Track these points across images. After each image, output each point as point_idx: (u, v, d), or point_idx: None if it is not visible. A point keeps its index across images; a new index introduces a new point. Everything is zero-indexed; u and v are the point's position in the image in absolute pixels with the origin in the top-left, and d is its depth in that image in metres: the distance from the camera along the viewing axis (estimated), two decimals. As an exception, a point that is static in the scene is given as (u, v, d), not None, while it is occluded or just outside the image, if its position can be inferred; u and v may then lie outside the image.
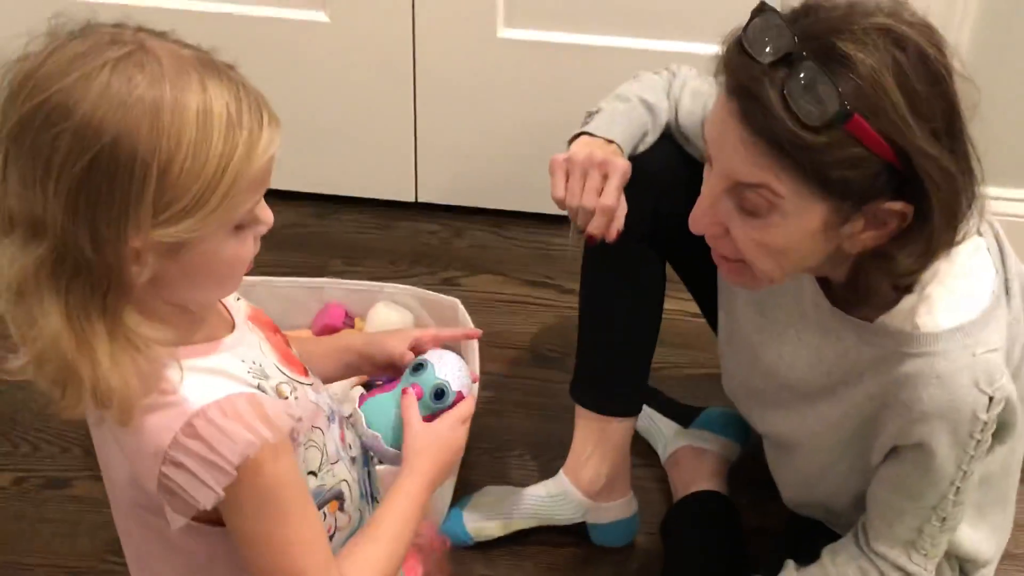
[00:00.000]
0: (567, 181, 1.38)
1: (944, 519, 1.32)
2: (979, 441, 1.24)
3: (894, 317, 1.24)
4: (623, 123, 1.45)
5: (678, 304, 1.79)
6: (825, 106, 1.05)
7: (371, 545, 1.09)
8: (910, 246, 1.14)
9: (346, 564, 1.06)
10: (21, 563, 1.69)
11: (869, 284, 1.22)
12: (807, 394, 1.38)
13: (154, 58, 0.87)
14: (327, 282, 2.00)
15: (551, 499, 1.70)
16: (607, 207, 1.36)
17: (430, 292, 1.97)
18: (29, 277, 0.88)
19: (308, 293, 1.99)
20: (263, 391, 0.99)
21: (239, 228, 0.94)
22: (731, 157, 1.13)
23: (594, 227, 1.37)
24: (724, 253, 1.23)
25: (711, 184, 1.18)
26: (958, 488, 1.28)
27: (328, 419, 1.10)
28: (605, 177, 1.37)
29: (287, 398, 1.02)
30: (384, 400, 1.21)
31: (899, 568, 1.35)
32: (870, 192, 1.10)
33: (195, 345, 0.98)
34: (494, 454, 1.91)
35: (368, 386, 1.29)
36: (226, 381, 0.97)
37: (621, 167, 1.37)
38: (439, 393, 1.19)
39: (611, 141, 1.41)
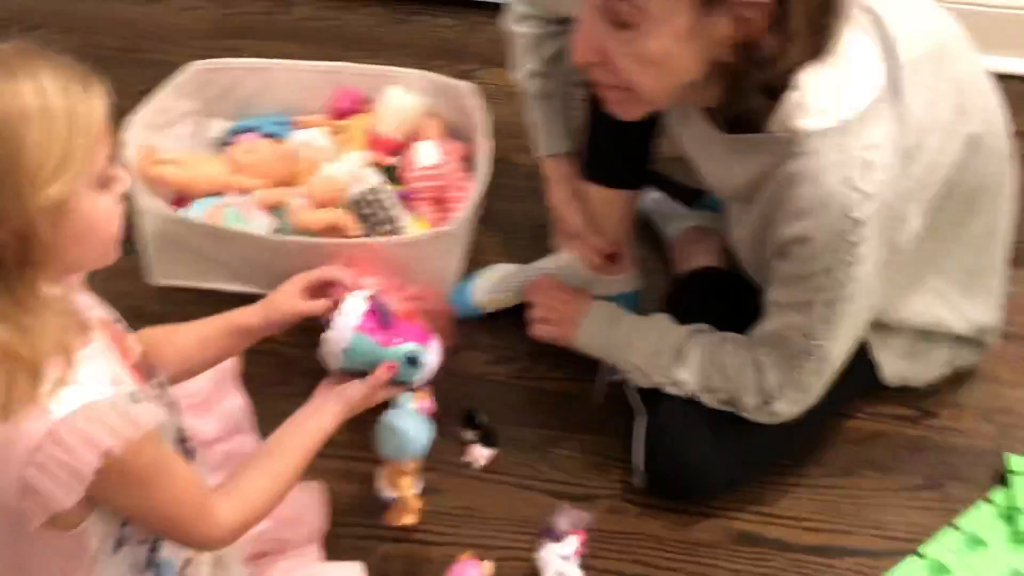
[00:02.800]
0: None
1: (811, 336, 1.35)
2: (854, 244, 1.26)
3: (776, 123, 1.28)
4: (555, 124, 1.71)
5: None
6: None
7: (269, 481, 1.24)
8: (771, 34, 1.15)
9: (237, 497, 1.20)
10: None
11: (744, 90, 1.24)
12: (740, 200, 1.44)
13: None
14: (343, 66, 2.03)
15: (556, 271, 1.75)
16: None
17: (443, 77, 1.99)
18: None
19: (324, 77, 2.02)
20: (120, 396, 1.07)
21: (104, 186, 1.06)
22: None
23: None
24: (606, 81, 1.27)
25: (584, 11, 1.22)
26: (830, 300, 1.30)
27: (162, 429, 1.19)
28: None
29: (138, 403, 1.10)
30: (370, 348, 1.33)
31: (758, 378, 1.42)
32: None
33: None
34: (506, 235, 1.96)
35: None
36: (88, 389, 1.04)
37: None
38: (403, 384, 1.36)
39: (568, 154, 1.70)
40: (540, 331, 1.64)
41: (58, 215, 1.01)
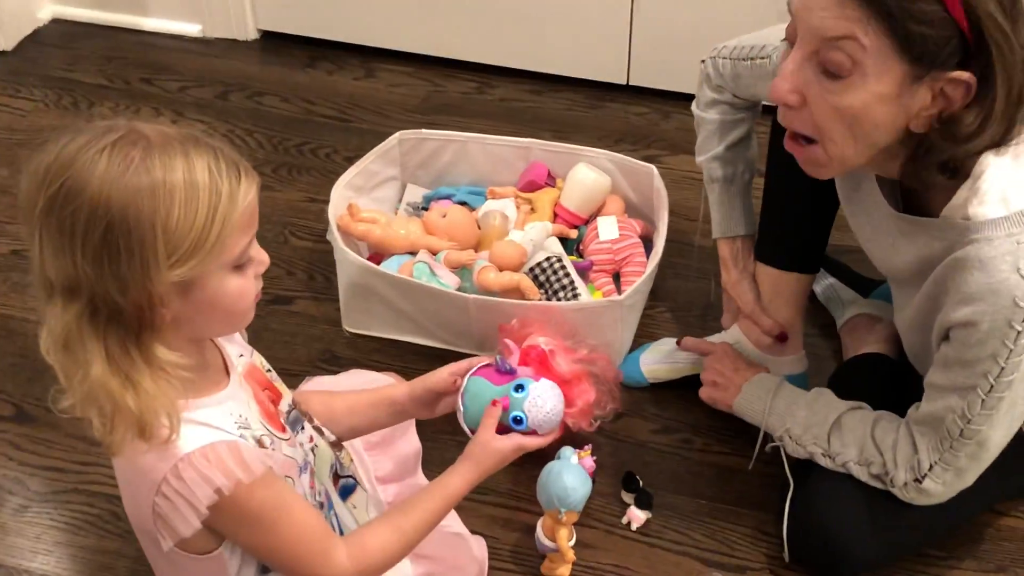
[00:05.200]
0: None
1: (969, 421, 1.36)
2: (1020, 332, 1.27)
3: (952, 210, 1.31)
4: (733, 207, 1.78)
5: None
6: None
7: (392, 534, 1.29)
8: (972, 112, 1.21)
9: (358, 547, 1.25)
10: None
11: (927, 164, 1.28)
12: (904, 281, 1.48)
13: (143, 137, 1.06)
14: (533, 143, 2.14)
15: (724, 348, 1.80)
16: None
17: (628, 158, 2.09)
18: (72, 330, 1.07)
19: (515, 152, 2.14)
20: (245, 439, 1.16)
21: (239, 267, 1.11)
22: (819, 15, 1.22)
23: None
24: (798, 128, 1.32)
25: (794, 54, 1.27)
26: (991, 387, 1.32)
27: (300, 470, 1.26)
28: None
29: (265, 448, 1.19)
30: (484, 388, 1.41)
31: (913, 455, 1.44)
32: (940, 57, 1.19)
33: (194, 399, 1.15)
34: (676, 312, 2.02)
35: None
36: (212, 431, 1.13)
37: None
38: (517, 420, 1.38)
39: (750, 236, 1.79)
40: (706, 394, 1.70)
41: (183, 291, 1.08)
